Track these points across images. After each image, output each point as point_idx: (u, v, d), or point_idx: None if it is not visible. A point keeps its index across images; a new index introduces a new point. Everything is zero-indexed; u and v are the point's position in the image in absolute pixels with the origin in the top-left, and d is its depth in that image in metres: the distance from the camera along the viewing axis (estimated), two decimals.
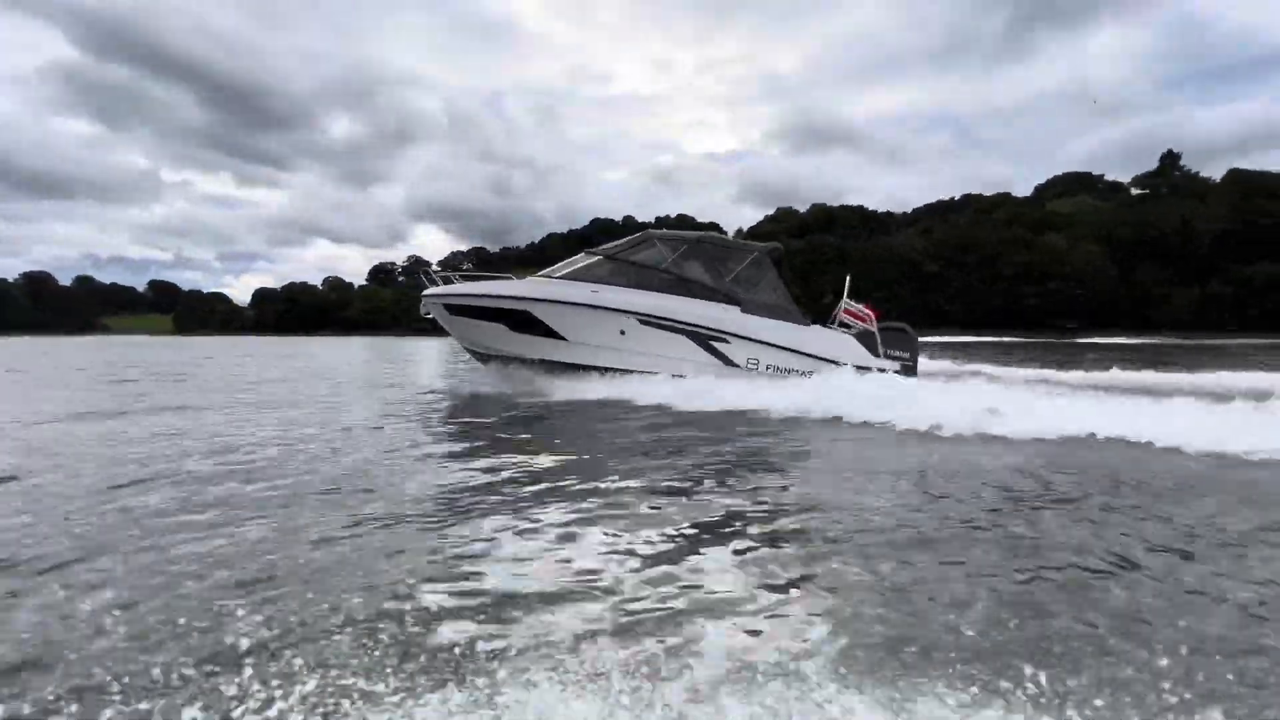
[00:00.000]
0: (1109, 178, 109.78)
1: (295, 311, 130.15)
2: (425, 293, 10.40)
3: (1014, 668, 1.83)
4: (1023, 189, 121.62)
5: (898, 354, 9.63)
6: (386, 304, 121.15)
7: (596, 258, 9.84)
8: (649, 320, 9.15)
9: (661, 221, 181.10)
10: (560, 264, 10.45)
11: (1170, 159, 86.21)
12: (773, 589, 2.40)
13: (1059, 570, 2.57)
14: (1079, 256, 59.46)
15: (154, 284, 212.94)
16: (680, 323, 9.18)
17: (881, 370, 9.37)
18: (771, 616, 2.18)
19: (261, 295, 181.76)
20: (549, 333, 9.36)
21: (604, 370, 9.30)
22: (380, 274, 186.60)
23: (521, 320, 9.37)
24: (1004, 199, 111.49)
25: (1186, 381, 9.82)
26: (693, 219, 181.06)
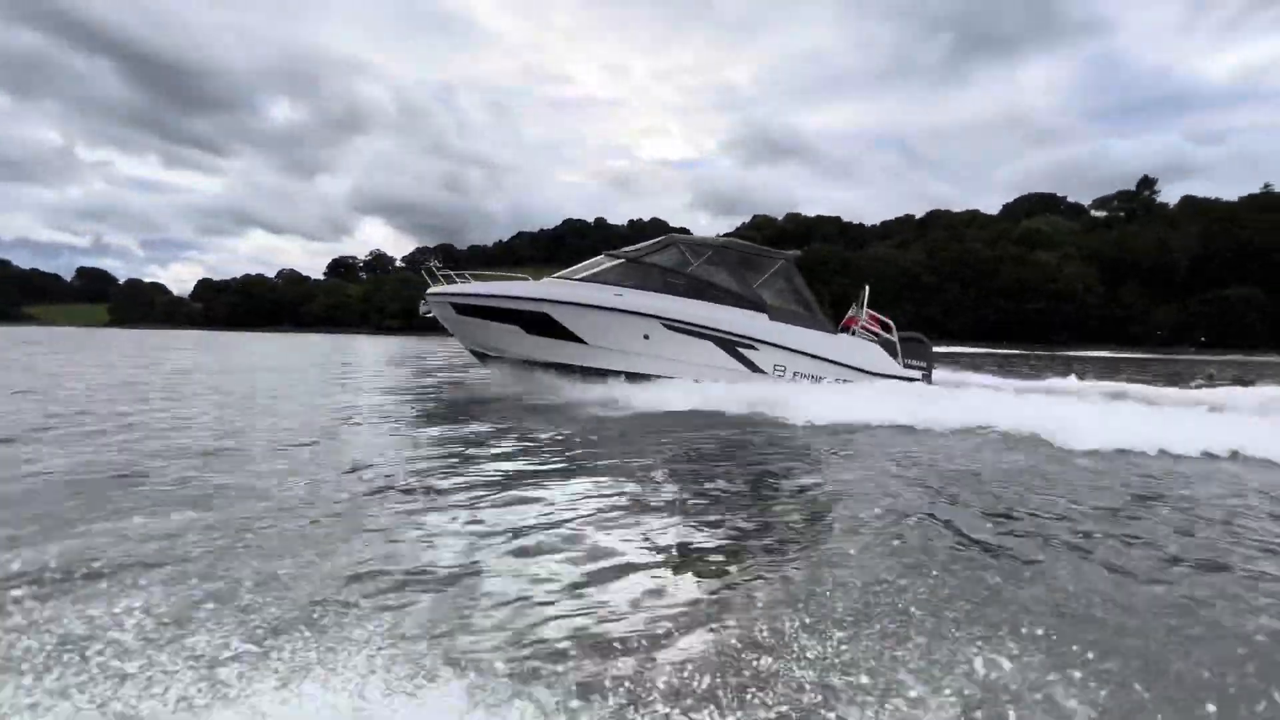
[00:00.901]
0: (1071, 199, 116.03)
1: (249, 305, 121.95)
2: (430, 291, 9.96)
3: None
4: (962, 207, 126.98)
5: (915, 363, 9.70)
6: (354, 299, 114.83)
7: (618, 260, 9.54)
8: (674, 325, 8.99)
9: (635, 225, 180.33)
10: (577, 266, 10.20)
11: (1146, 184, 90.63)
12: None
13: None
14: (1070, 274, 61.62)
15: (83, 272, 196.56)
16: (706, 328, 9.04)
17: (910, 379, 9.45)
18: None
19: (208, 286, 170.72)
20: (567, 335, 9.10)
21: (624, 374, 9.11)
22: (341, 268, 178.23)
23: (538, 322, 9.12)
24: (973, 216, 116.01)
25: None
26: (665, 223, 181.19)
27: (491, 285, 9.57)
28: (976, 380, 11.65)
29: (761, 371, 9.17)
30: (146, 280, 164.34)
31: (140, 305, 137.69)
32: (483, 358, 10.45)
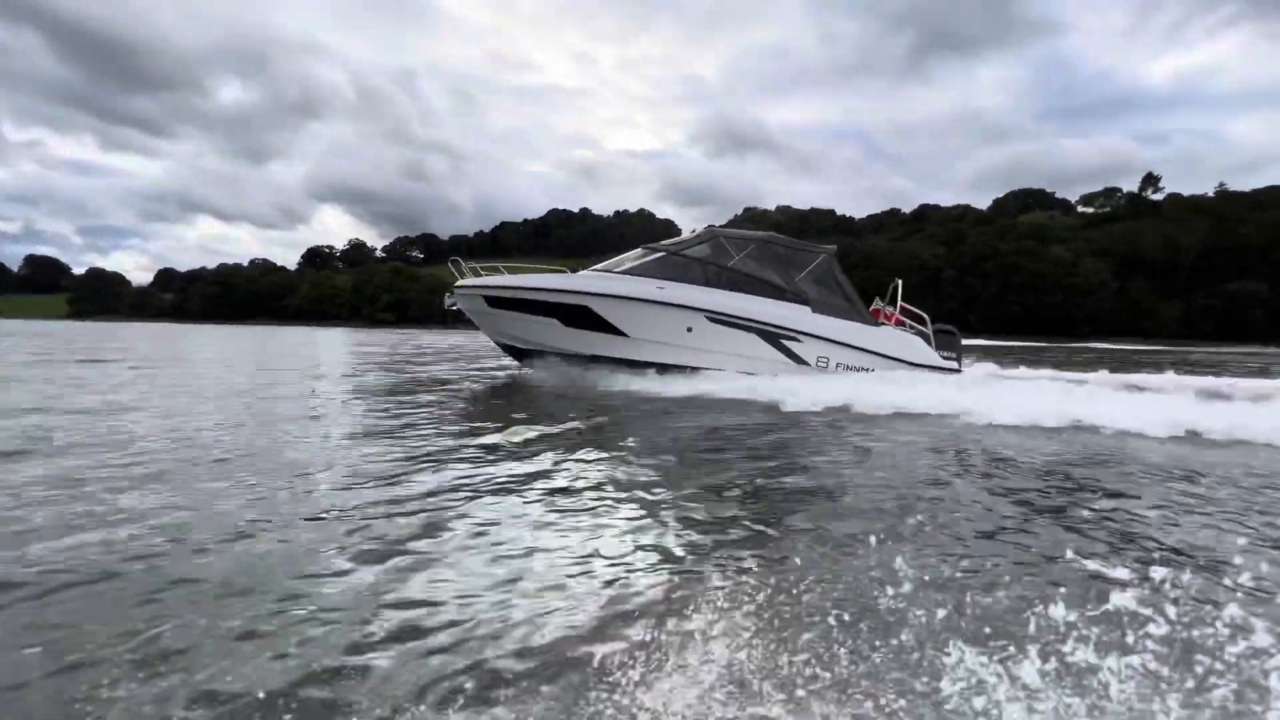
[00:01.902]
0: (1059, 195, 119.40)
1: (229, 297, 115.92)
2: (458, 284, 10.03)
3: None
4: (923, 202, 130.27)
5: (946, 354, 9.86)
6: (341, 291, 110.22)
7: (658, 254, 9.67)
8: (718, 317, 9.07)
9: (621, 216, 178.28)
10: (615, 259, 10.30)
11: (1150, 181, 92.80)
12: None
13: None
14: (1086, 268, 63.06)
15: (33, 260, 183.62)
16: (750, 320, 9.12)
17: (952, 370, 9.62)
18: None
19: (171, 277, 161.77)
20: (608, 328, 9.21)
21: (666, 367, 9.22)
22: (316, 258, 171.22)
23: (578, 315, 9.21)
24: (965, 211, 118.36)
25: None
26: (652, 214, 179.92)
27: (529, 278, 9.61)
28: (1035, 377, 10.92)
29: (805, 363, 9.25)
30: (79, 270, 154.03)
31: (104, 296, 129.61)
32: (514, 351, 10.46)
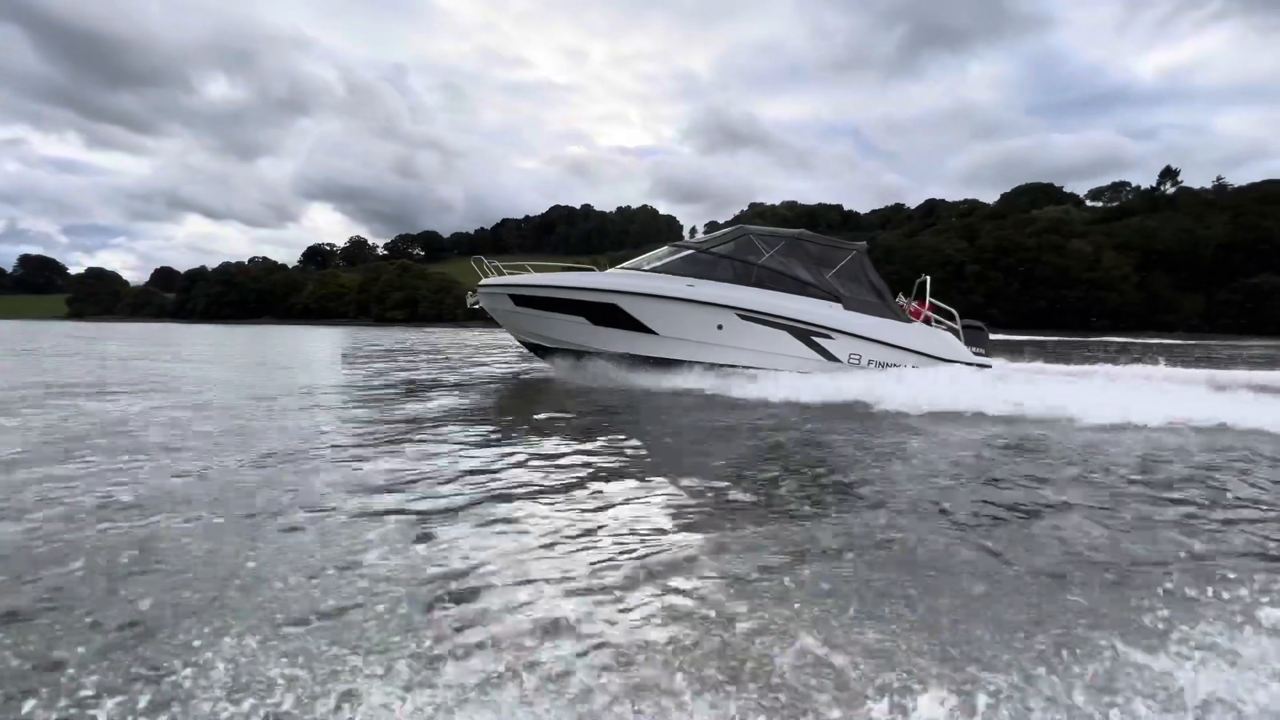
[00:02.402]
0: (1068, 189, 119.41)
1: (232, 297, 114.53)
2: (483, 282, 9.97)
3: None
4: (917, 197, 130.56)
5: (975, 351, 9.87)
6: (349, 289, 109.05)
7: (687, 251, 9.70)
8: (749, 315, 9.05)
9: (624, 212, 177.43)
10: (643, 256, 10.31)
11: (1168, 174, 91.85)
12: None
13: None
14: (1108, 262, 62.95)
15: (28, 260, 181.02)
16: (781, 318, 9.10)
17: (985, 366, 9.60)
18: None
19: (164, 274, 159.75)
20: (637, 326, 9.18)
21: (696, 365, 9.18)
22: (317, 256, 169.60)
23: (606, 313, 9.18)
24: (973, 206, 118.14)
25: None
26: (655, 210, 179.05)
27: (556, 276, 9.59)
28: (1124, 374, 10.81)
29: (837, 360, 9.23)
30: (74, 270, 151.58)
31: (104, 296, 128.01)
32: (539, 350, 10.38)
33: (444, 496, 3.30)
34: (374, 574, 2.31)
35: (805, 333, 9.20)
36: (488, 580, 2.27)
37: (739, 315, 9.08)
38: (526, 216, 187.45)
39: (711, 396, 8.07)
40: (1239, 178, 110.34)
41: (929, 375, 8.71)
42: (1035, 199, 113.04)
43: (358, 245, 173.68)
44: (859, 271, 9.66)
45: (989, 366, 9.75)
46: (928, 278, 10.44)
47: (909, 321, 9.59)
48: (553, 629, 1.93)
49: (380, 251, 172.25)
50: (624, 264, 10.34)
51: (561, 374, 10.05)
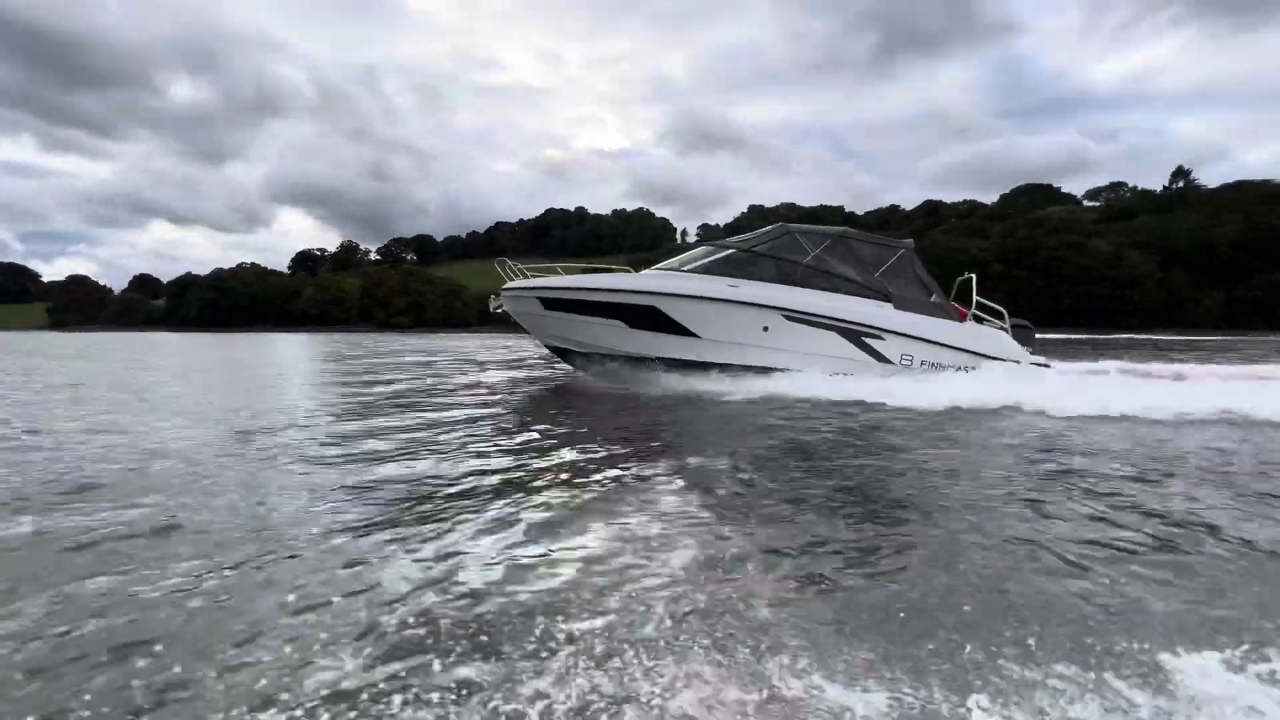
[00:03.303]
0: (1064, 189, 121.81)
1: (225, 303, 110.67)
2: (509, 286, 9.64)
3: None
4: (885, 199, 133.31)
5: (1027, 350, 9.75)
6: (351, 295, 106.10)
7: (728, 251, 9.41)
8: (796, 316, 8.78)
9: (619, 215, 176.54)
10: (680, 257, 10.01)
11: (1180, 174, 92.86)
12: None
13: None
14: (1132, 260, 63.89)
15: (1, 267, 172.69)
16: (830, 318, 8.84)
17: (1044, 365, 9.41)
18: None
19: (145, 282, 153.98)
20: (678, 329, 8.88)
21: (740, 368, 8.87)
22: (308, 262, 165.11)
23: (645, 316, 8.85)
24: (973, 208, 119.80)
25: None
26: (651, 212, 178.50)
27: (590, 278, 9.34)
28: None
29: (888, 361, 8.97)
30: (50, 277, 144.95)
31: (87, 305, 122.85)
32: (569, 355, 10.04)
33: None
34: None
35: (855, 334, 8.91)
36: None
37: (785, 316, 8.77)
38: (520, 220, 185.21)
39: (804, 404, 7.42)
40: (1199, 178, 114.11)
41: (1069, 379, 8.52)
42: (1034, 199, 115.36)
43: (349, 250, 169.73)
44: (908, 270, 9.36)
45: (1048, 366, 9.46)
46: (973, 276, 10.02)
47: (960, 320, 9.30)
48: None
49: (373, 256, 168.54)
50: (659, 265, 10.03)
51: (594, 380, 9.57)
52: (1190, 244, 66.58)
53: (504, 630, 1.94)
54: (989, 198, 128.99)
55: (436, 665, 1.75)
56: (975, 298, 9.63)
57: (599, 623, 1.98)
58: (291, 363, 17.06)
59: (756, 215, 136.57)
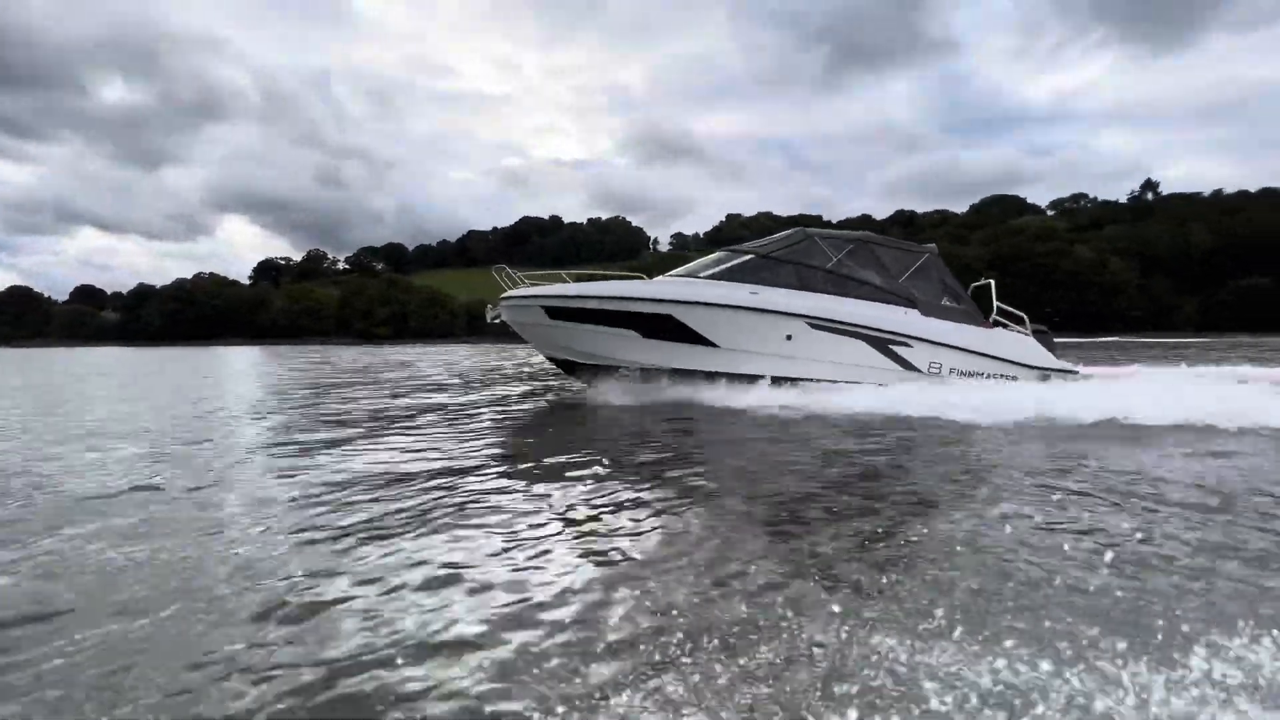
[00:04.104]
0: (1030, 200, 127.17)
1: (188, 314, 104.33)
2: (509, 294, 9.12)
3: None
4: (846, 210, 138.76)
5: None
6: (327, 305, 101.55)
7: (746, 256, 8.99)
8: (820, 324, 8.46)
9: (595, 224, 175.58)
10: (695, 263, 9.68)
11: (1149, 186, 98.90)
12: None
13: None
14: (1114, 267, 66.65)
15: None
16: (856, 326, 8.54)
17: (1071, 372, 9.26)
18: None
19: (90, 294, 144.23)
20: (695, 338, 8.45)
21: (759, 379, 8.44)
22: (271, 271, 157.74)
23: (659, 325, 8.41)
24: (944, 217, 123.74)
25: None
26: (628, 222, 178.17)
27: (600, 285, 8.83)
28: None
29: (916, 370, 8.69)
30: None
31: (30, 318, 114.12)
32: (574, 368, 9.50)
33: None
34: None
35: (883, 341, 8.59)
36: None
37: (809, 324, 8.41)
38: (494, 228, 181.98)
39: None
40: (1121, 192, 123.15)
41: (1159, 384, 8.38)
42: (1005, 209, 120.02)
43: (314, 259, 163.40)
44: (932, 275, 9.13)
45: (1075, 373, 9.29)
46: (991, 282, 9.85)
47: (988, 326, 9.09)
48: None
49: (341, 265, 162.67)
50: (673, 271, 9.66)
51: (602, 395, 8.92)
52: (1169, 251, 69.90)
53: None
54: (929, 208, 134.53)
55: None
56: (995, 303, 9.39)
57: None
58: (347, 387, 15.42)
59: (737, 224, 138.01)
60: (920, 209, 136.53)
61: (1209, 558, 2.64)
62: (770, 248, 9.07)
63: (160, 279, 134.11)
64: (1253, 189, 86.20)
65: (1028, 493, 3.77)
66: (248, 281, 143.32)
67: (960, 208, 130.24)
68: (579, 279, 9.42)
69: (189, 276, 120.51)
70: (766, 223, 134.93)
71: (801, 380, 8.53)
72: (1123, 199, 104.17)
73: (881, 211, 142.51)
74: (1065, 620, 2.07)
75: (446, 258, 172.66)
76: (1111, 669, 1.75)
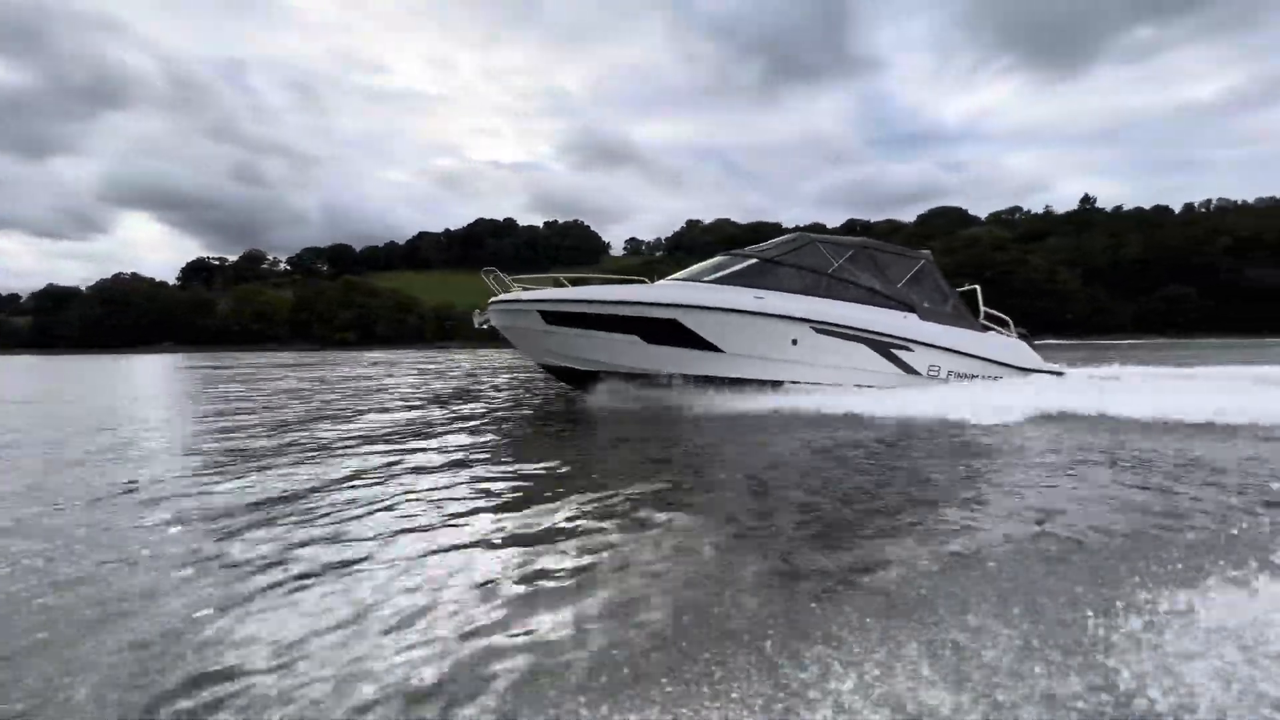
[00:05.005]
0: (971, 212, 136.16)
1: (118, 320, 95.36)
2: (498, 299, 8.94)
3: None
4: (781, 218, 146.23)
5: None
6: (278, 308, 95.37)
7: (750, 261, 8.98)
8: (825, 328, 8.54)
9: (551, 226, 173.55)
10: (696, 266, 9.65)
11: (1086, 200, 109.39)
12: None
13: None
14: (1061, 276, 72.70)
15: None
16: (859, 330, 8.65)
17: (1058, 374, 9.65)
18: None
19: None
20: (700, 344, 8.41)
21: (764, 384, 8.56)
22: (202, 272, 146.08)
23: (664, 330, 8.34)
24: (895, 227, 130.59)
25: None
26: (586, 225, 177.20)
27: (601, 290, 8.69)
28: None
29: (916, 373, 8.86)
30: None
31: None
32: (570, 375, 9.30)
33: None
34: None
35: (884, 345, 8.70)
36: None
37: (814, 328, 8.44)
38: (447, 230, 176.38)
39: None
40: (1028, 205, 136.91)
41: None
42: (949, 220, 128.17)
43: (252, 260, 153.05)
44: (930, 279, 9.35)
45: (1061, 374, 9.61)
46: (978, 288, 10.20)
47: (984, 330, 9.36)
48: None
49: (283, 267, 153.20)
50: (674, 275, 9.55)
51: (601, 401, 8.77)
52: (1107, 261, 76.80)
53: None
54: (859, 217, 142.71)
55: None
56: (982, 308, 9.70)
57: None
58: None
59: (698, 230, 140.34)
60: (845, 218, 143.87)
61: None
62: (773, 252, 9.02)
63: (50, 280, 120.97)
64: (1144, 205, 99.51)
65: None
66: (175, 283, 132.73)
67: (884, 217, 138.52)
68: (542, 283, 9.24)
69: (90, 278, 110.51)
70: (729, 229, 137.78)
71: (805, 384, 8.56)
72: (1060, 211, 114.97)
73: (810, 217, 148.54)
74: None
75: (396, 260, 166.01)
76: None
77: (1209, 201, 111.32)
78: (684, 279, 9.13)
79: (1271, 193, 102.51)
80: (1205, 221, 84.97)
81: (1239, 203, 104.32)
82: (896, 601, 2.29)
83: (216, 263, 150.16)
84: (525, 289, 9.05)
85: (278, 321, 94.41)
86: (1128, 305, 75.97)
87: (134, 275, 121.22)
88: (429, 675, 1.88)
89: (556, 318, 8.51)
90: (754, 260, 8.84)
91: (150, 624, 2.23)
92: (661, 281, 9.15)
